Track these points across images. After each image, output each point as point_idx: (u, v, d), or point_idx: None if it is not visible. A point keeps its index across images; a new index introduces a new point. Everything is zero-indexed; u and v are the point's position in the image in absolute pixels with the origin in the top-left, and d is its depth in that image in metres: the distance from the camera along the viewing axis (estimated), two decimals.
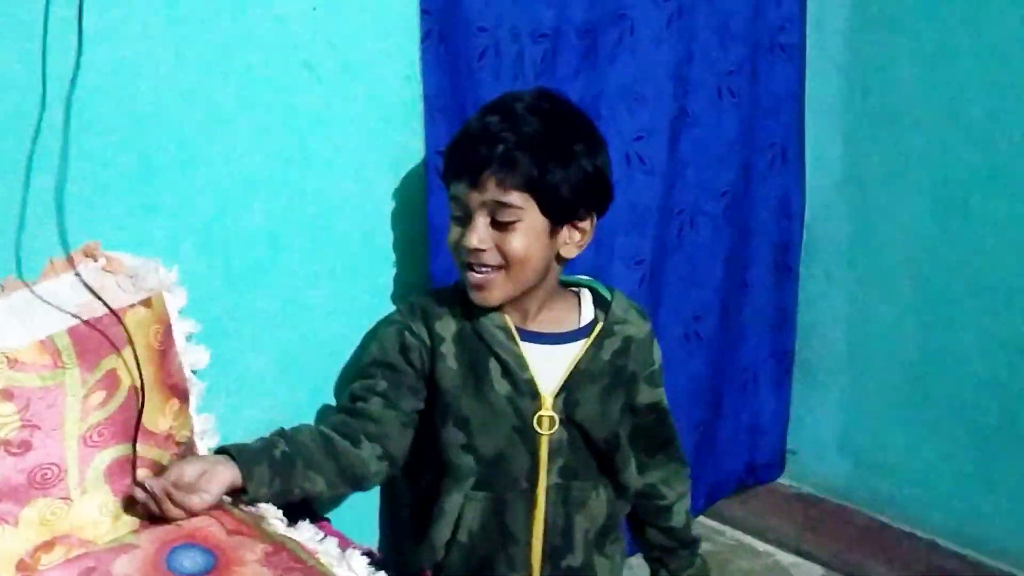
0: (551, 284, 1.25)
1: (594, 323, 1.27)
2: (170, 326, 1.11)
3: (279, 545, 1.00)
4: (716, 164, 1.76)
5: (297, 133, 1.26)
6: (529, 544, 1.25)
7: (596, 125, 1.23)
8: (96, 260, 1.08)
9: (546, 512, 1.25)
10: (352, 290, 1.34)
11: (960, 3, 1.71)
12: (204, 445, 1.14)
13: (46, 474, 0.99)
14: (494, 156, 1.15)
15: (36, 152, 1.04)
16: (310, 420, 1.30)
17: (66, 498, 1.00)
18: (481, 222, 1.17)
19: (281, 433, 1.16)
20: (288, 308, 1.29)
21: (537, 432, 1.23)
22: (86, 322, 1.03)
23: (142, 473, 1.05)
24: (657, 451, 1.37)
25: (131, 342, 1.05)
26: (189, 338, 1.15)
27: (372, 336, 1.31)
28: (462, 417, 1.23)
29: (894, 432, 1.91)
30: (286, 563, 0.98)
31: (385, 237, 1.37)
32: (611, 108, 1.59)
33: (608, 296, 1.30)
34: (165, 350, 1.10)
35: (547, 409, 1.23)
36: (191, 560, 0.96)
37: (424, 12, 1.32)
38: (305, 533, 1.06)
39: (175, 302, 1.13)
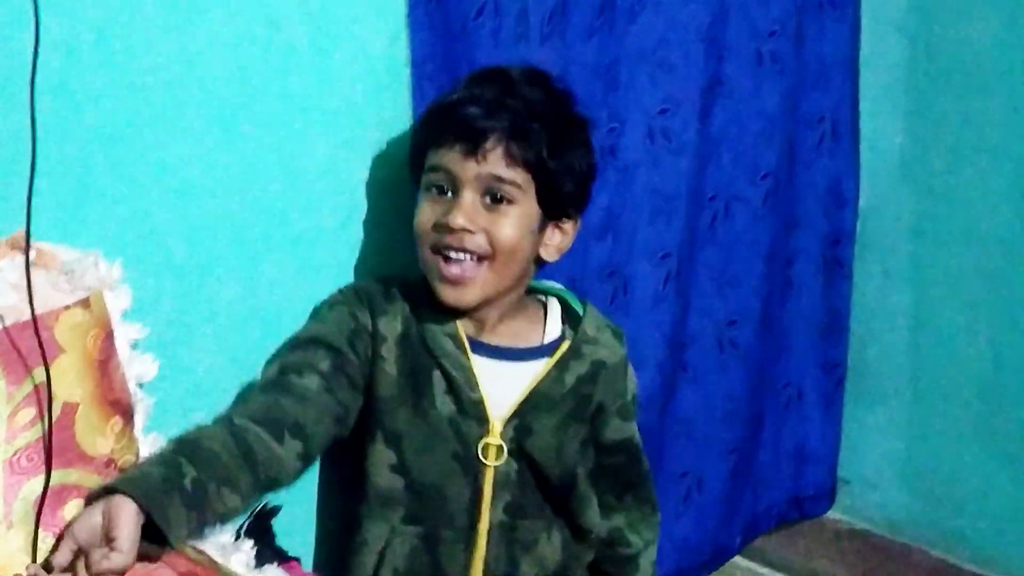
0: (521, 290, 1.27)
1: (560, 340, 1.28)
2: (112, 331, 1.11)
3: None
4: (755, 142, 1.76)
5: (262, 105, 1.26)
6: None
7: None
8: (24, 253, 1.06)
9: (487, 554, 1.26)
10: (326, 286, 1.33)
11: None
12: None
13: None
14: (502, 123, 1.17)
15: None
16: None
17: None
18: (470, 199, 1.18)
19: (184, 444, 1.04)
20: (250, 309, 1.28)
21: (482, 462, 1.24)
22: (12, 326, 1.02)
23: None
24: (625, 492, 1.38)
25: (65, 350, 1.05)
26: (134, 345, 1.15)
27: (311, 318, 1.28)
28: (394, 432, 1.23)
29: (964, 458, 1.91)
30: None
31: (364, 224, 1.37)
32: (631, 76, 1.59)
33: (580, 310, 1.31)
34: (106, 360, 1.09)
35: (495, 436, 1.24)
36: None
37: None
38: None
39: (118, 303, 1.12)
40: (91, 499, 0.98)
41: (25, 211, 1.06)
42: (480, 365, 1.24)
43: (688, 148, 1.66)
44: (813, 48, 1.82)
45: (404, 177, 1.35)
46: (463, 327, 1.25)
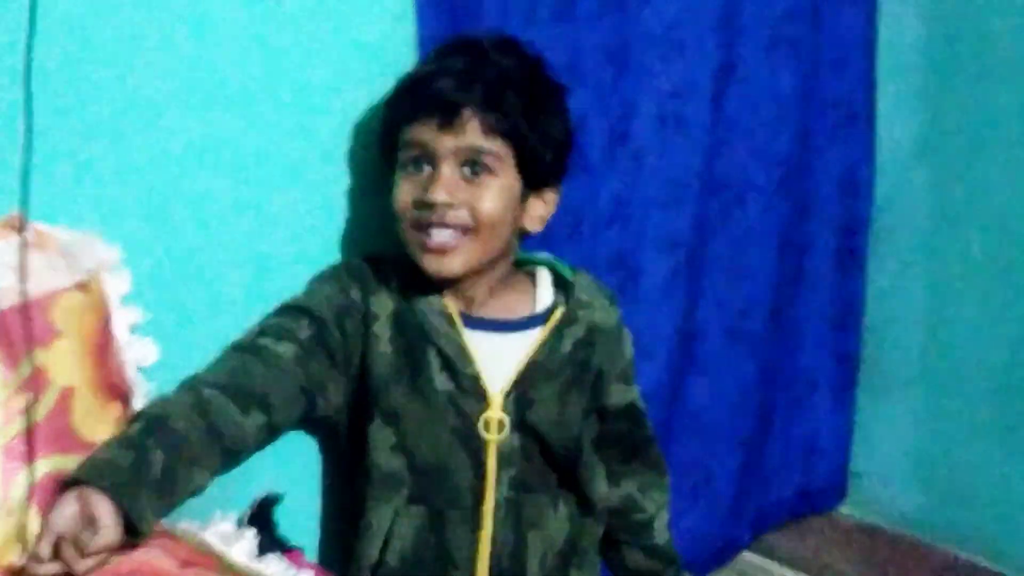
0: (507, 262, 1.27)
1: (553, 308, 1.29)
2: (110, 315, 1.10)
3: None
4: (768, 128, 1.76)
5: (263, 84, 1.25)
6: (473, 570, 1.26)
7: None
8: (21, 234, 1.06)
9: (494, 532, 1.26)
10: None
11: None
12: None
13: None
14: (476, 93, 1.17)
15: None
16: None
17: None
18: (449, 172, 1.19)
19: (149, 422, 1.04)
20: (251, 293, 1.28)
21: (483, 437, 1.24)
22: (8, 309, 1.02)
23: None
24: (632, 458, 1.40)
25: (63, 334, 1.04)
26: (133, 329, 1.14)
27: (304, 290, 1.28)
28: (391, 411, 1.23)
29: (978, 453, 1.90)
30: None
31: (368, 209, 1.36)
32: (642, 59, 1.59)
33: (570, 276, 1.31)
34: (104, 344, 1.09)
35: (495, 410, 1.24)
36: None
37: None
38: (274, 567, 1.06)
39: (117, 286, 1.12)
40: (61, 490, 0.99)
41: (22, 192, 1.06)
42: (474, 340, 1.24)
43: (700, 134, 1.66)
44: (829, 32, 1.82)
45: None
46: (453, 303, 1.25)
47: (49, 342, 1.04)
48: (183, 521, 1.08)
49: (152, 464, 1.01)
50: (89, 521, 0.96)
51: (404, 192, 1.21)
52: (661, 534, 1.42)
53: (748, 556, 1.95)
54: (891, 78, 1.91)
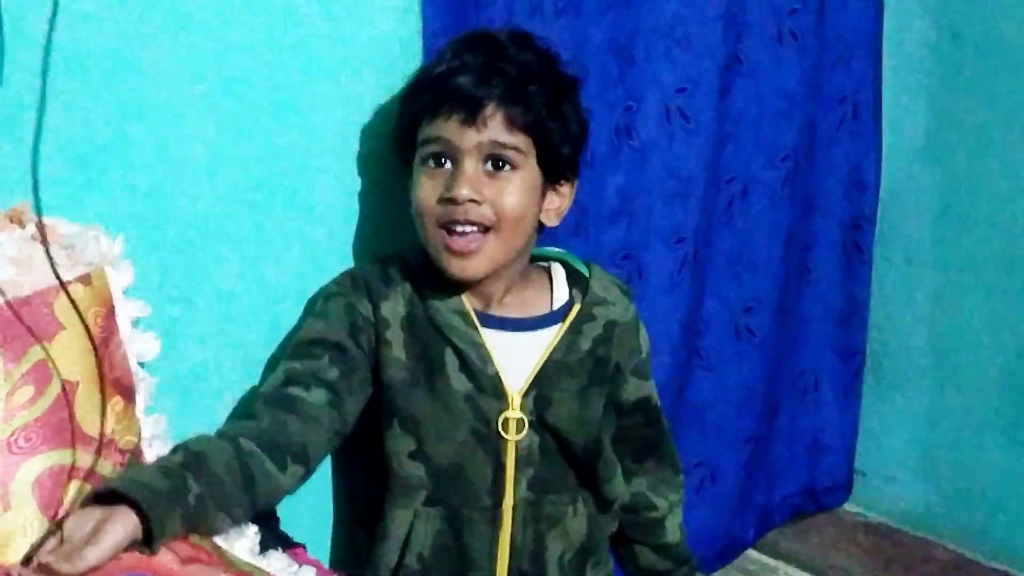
0: (525, 259, 1.27)
1: (570, 305, 1.28)
2: (113, 308, 1.10)
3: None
4: (774, 123, 1.76)
5: (268, 79, 1.25)
6: (492, 570, 1.25)
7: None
8: (24, 226, 1.07)
9: (513, 532, 1.25)
10: (331, 264, 1.33)
11: None
12: (154, 452, 1.12)
13: None
14: (498, 89, 1.17)
15: None
16: None
17: None
18: (472, 168, 1.18)
19: (190, 458, 1.03)
20: (254, 287, 1.28)
21: (502, 437, 1.23)
22: (10, 302, 1.02)
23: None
24: (645, 455, 1.39)
25: (65, 327, 1.04)
26: (136, 323, 1.13)
27: (309, 312, 1.28)
28: (411, 418, 1.23)
29: (984, 450, 1.90)
30: None
31: (372, 202, 1.36)
32: (647, 53, 1.58)
33: (585, 271, 1.31)
34: (107, 337, 1.08)
35: (514, 410, 1.23)
36: None
37: None
38: (276, 563, 1.05)
39: (120, 279, 1.11)
40: (95, 497, 0.97)
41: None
42: (492, 339, 1.23)
43: (706, 128, 1.66)
44: (835, 26, 1.81)
45: None
46: (470, 302, 1.24)
47: (51, 335, 1.03)
48: None
49: (188, 495, 0.99)
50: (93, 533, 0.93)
51: (426, 190, 1.20)
52: (673, 533, 1.41)
53: (753, 554, 1.95)
54: (897, 74, 1.90)
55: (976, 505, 1.92)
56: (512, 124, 1.18)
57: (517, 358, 1.24)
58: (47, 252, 1.02)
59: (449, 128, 1.18)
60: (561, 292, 1.29)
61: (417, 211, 1.22)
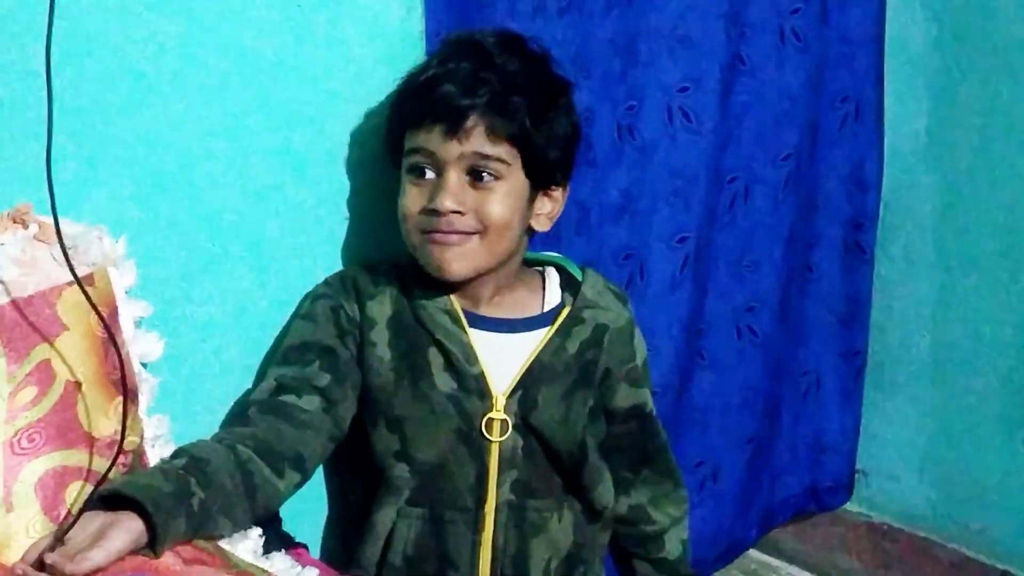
0: (516, 262, 1.27)
1: (560, 308, 1.28)
2: (116, 309, 1.10)
3: None
4: (776, 122, 1.75)
5: (273, 78, 1.25)
6: (474, 574, 1.25)
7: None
8: (26, 227, 1.07)
9: (494, 536, 1.25)
10: (333, 265, 1.34)
11: None
12: (156, 453, 1.13)
13: None
14: (481, 99, 1.17)
15: None
16: None
17: None
18: (455, 179, 1.18)
19: (193, 463, 1.04)
20: (256, 287, 1.28)
21: (486, 438, 1.23)
22: (13, 302, 1.02)
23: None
24: (641, 466, 1.38)
25: (68, 328, 1.04)
26: (139, 324, 1.14)
27: (296, 315, 1.28)
28: (395, 418, 1.23)
29: (987, 451, 1.89)
30: None
31: (378, 203, 1.35)
32: (650, 52, 1.58)
33: (579, 276, 1.31)
34: (110, 338, 1.08)
35: (498, 411, 1.23)
36: None
37: None
38: (279, 564, 1.05)
39: (122, 280, 1.12)
40: (99, 499, 0.97)
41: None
42: (478, 339, 1.24)
43: (708, 128, 1.65)
44: (837, 26, 1.80)
45: None
46: (458, 302, 1.25)
47: (54, 336, 1.04)
48: None
49: (192, 499, 1.00)
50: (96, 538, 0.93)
51: (410, 199, 1.21)
52: (673, 548, 1.40)
53: (755, 553, 1.95)
54: (899, 73, 1.90)
55: (978, 505, 1.91)
56: (494, 135, 1.18)
57: (504, 359, 1.24)
58: (63, 249, 1.02)
59: (432, 139, 1.18)
60: (553, 295, 1.29)
61: (402, 219, 1.23)
